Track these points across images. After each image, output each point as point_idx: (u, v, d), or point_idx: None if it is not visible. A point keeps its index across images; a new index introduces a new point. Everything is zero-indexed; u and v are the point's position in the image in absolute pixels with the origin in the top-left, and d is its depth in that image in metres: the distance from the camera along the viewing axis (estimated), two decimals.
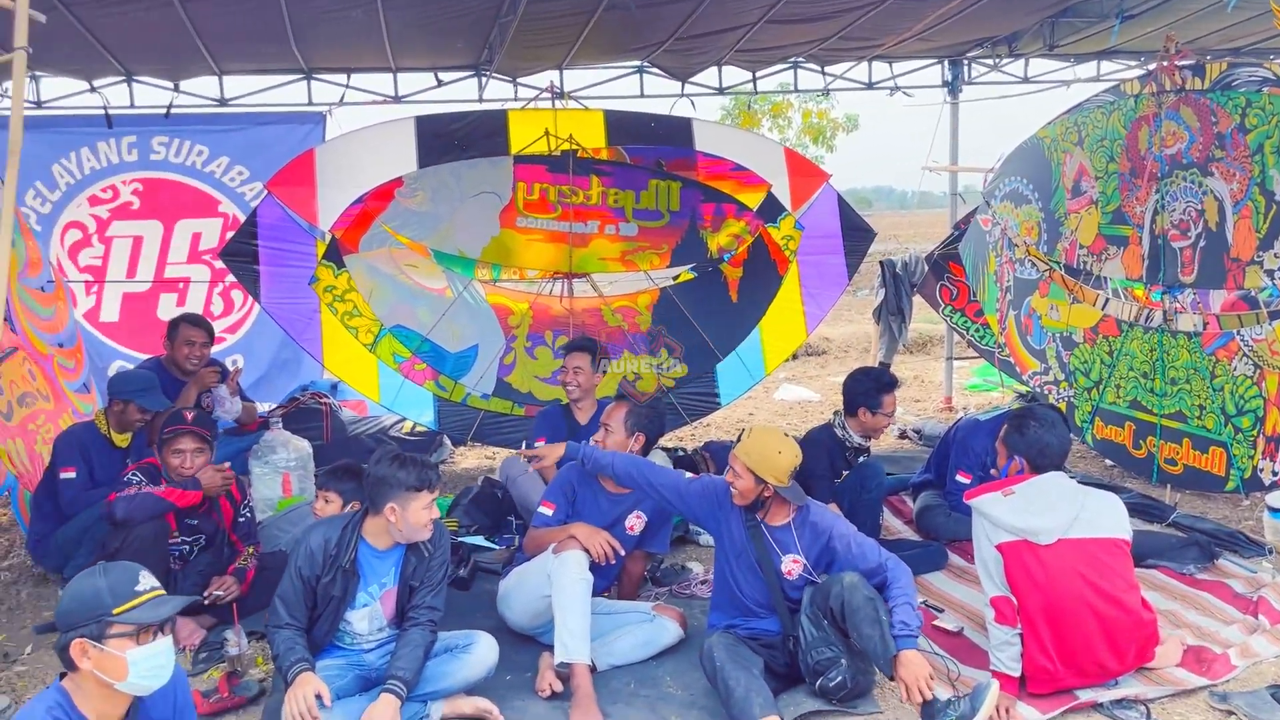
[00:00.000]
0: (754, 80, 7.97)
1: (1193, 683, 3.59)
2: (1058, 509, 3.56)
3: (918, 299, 8.37)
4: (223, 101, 7.34)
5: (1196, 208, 5.53)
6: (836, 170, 7.33)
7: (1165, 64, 5.60)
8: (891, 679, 3.36)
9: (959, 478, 5.06)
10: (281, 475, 5.58)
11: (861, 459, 5.05)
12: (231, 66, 6.95)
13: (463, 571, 4.68)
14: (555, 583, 3.69)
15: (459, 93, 8.37)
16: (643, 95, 7.66)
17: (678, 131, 6.76)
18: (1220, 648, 3.83)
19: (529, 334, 6.61)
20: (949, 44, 7.56)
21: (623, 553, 4.00)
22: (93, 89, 6.99)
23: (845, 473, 4.93)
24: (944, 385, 8.93)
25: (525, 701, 3.59)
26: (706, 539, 5.09)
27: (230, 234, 6.39)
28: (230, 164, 7.46)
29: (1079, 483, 3.91)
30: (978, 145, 9.49)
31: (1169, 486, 5.82)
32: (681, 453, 6.47)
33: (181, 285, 7.53)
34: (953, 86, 8.25)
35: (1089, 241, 6.30)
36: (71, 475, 4.61)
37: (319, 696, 3.13)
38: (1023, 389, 7.22)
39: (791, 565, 3.61)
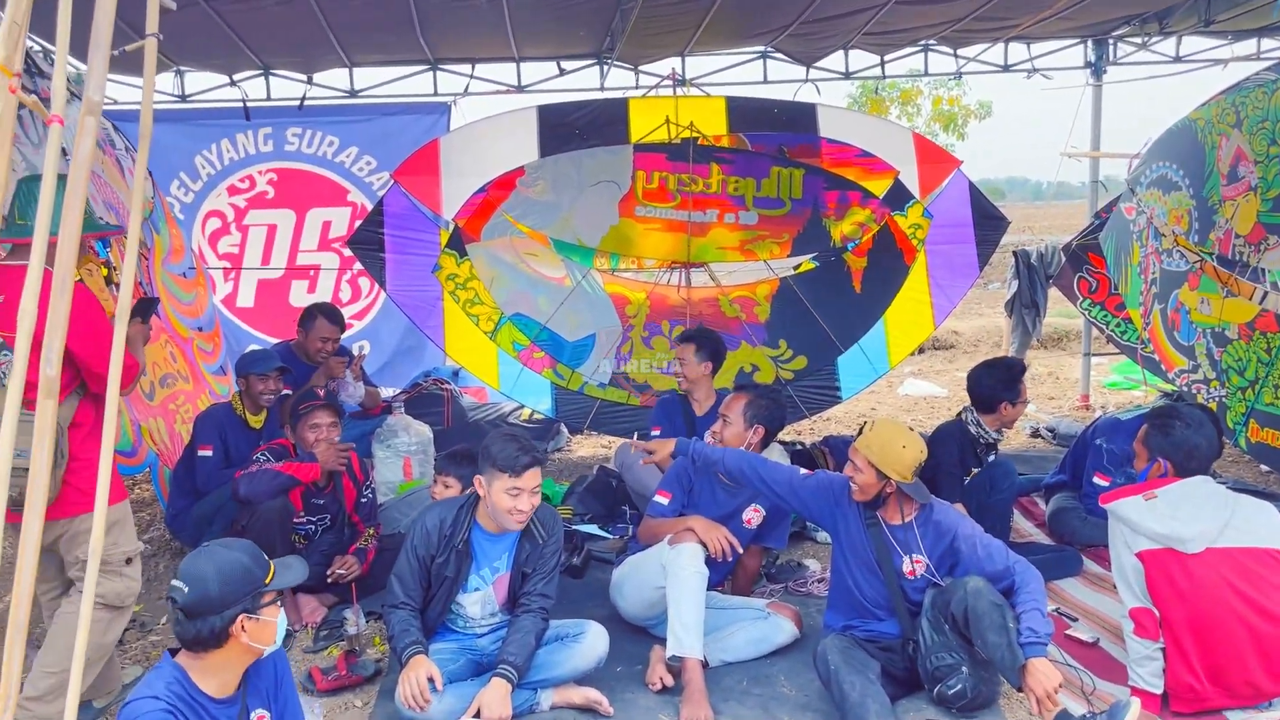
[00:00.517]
0: (882, 64, 7.74)
1: None
2: (1206, 515, 3.30)
3: (1054, 292, 8.02)
4: (353, 93, 7.53)
5: None
6: (967, 159, 7.04)
7: None
8: (1019, 689, 3.19)
9: (1096, 480, 4.80)
10: (403, 459, 5.69)
11: (991, 457, 4.83)
12: (361, 58, 7.12)
13: (576, 560, 4.68)
14: (670, 575, 3.63)
15: (581, 81, 8.45)
16: (766, 81, 7.50)
17: (801, 117, 6.61)
18: None
19: (646, 323, 6.58)
20: (1093, 22, 7.16)
21: (740, 550, 3.91)
22: (233, 83, 7.27)
23: (975, 470, 4.72)
24: (1080, 382, 8.52)
25: (635, 694, 3.55)
26: (824, 535, 4.96)
27: (358, 223, 6.55)
28: (359, 154, 7.65)
29: (1229, 488, 3.63)
30: (1120, 129, 9.03)
31: None
32: (800, 447, 6.31)
33: (312, 273, 7.77)
34: (1096, 67, 7.84)
35: (1246, 230, 5.87)
36: (208, 454, 4.79)
37: (431, 680, 3.16)
38: (1168, 388, 6.81)
39: (913, 565, 3.46)
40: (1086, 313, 7.72)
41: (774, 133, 6.53)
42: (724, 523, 3.90)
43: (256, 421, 5.01)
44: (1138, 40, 7.66)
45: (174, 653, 2.46)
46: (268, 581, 2.46)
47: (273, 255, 7.75)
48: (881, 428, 3.44)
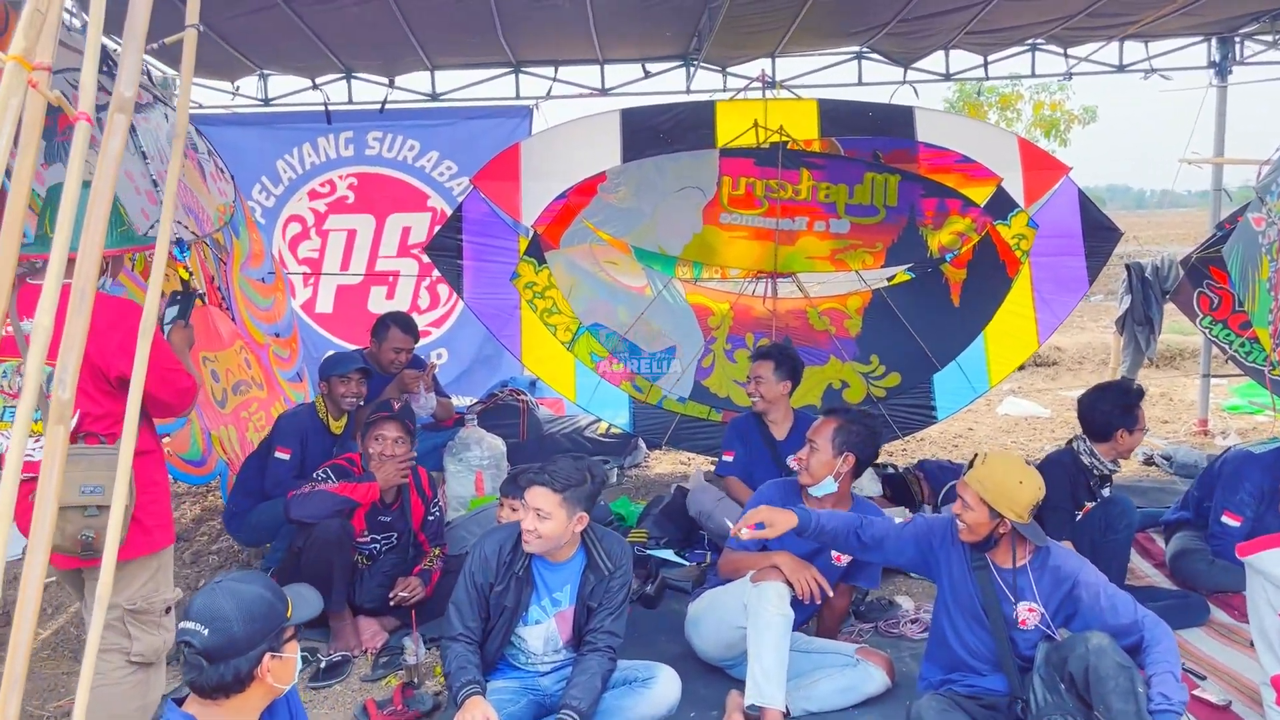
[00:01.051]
0: (985, 65, 7.32)
1: None
2: None
3: (1169, 307, 7.50)
4: (434, 96, 7.41)
5: None
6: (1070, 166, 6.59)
7: None
8: None
9: (1225, 519, 4.36)
10: (475, 473, 5.53)
11: (1106, 490, 4.41)
12: (442, 60, 6.99)
13: (649, 588, 4.41)
14: (752, 615, 3.34)
15: (666, 84, 8.21)
16: (860, 83, 7.18)
17: (898, 121, 6.28)
18: None
19: (729, 336, 6.29)
20: (1219, 18, 6.65)
21: (830, 592, 3.58)
22: (315, 86, 7.22)
23: (1087, 505, 4.31)
24: (1198, 406, 7.94)
25: None
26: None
27: (437, 228, 6.43)
28: (440, 159, 7.53)
29: None
30: (1244, 132, 8.43)
31: None
32: (892, 470, 5.96)
33: (391, 279, 7.67)
34: (1221, 67, 7.30)
35: None
36: (285, 457, 4.65)
37: None
38: None
39: (1026, 614, 3.10)
40: (1207, 331, 7.16)
41: (868, 137, 6.21)
42: (812, 559, 3.59)
43: (338, 427, 4.89)
44: (1267, 39, 7.11)
45: (179, 701, 2.23)
46: (289, 615, 2.27)
47: (352, 260, 7.67)
48: (995, 461, 3.09)
